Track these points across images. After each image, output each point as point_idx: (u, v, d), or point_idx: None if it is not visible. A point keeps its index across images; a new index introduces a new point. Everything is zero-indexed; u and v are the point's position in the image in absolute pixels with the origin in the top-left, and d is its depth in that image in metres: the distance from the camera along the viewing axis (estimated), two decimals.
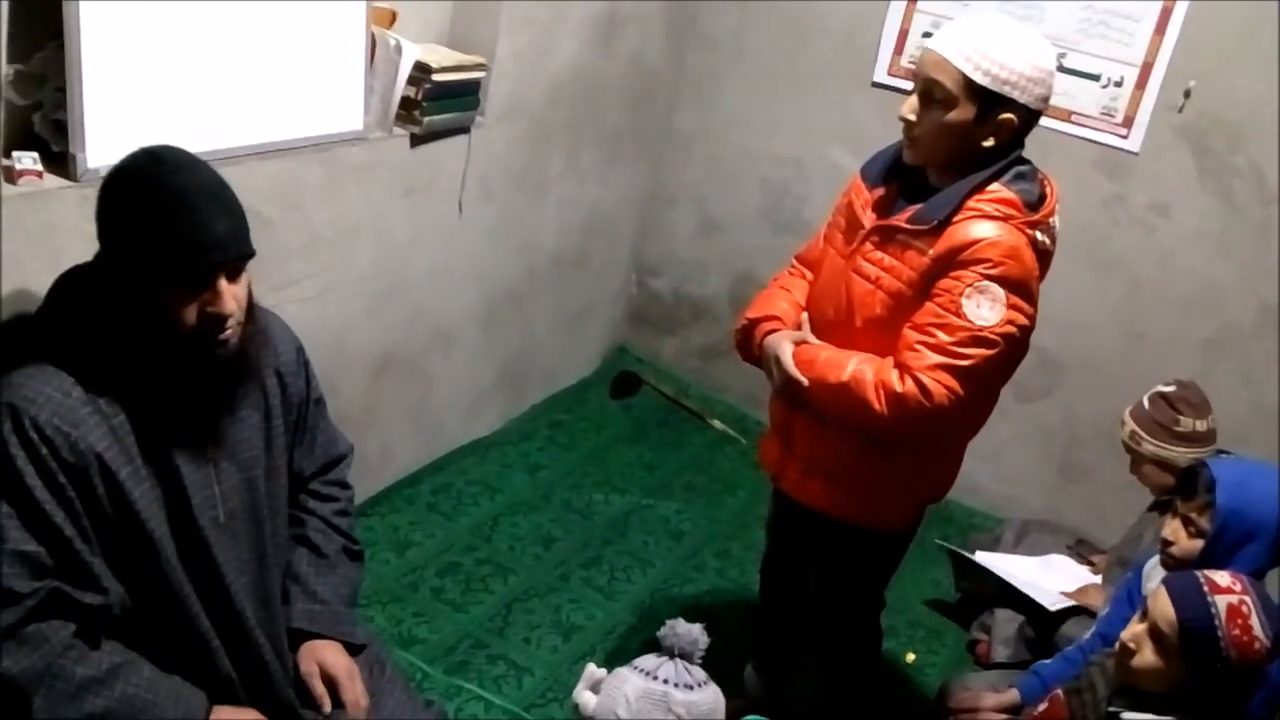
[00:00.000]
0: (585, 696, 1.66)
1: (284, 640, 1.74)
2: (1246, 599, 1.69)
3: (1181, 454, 2.50)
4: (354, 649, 1.80)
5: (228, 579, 1.61)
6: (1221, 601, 1.69)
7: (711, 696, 1.64)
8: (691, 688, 1.64)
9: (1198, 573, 1.76)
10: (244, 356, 1.58)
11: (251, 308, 1.59)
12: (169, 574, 1.54)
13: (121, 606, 1.51)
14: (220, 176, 1.53)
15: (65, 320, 1.49)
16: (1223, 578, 1.73)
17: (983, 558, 3.00)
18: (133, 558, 1.51)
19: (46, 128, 2.00)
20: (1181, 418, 2.52)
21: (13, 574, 1.40)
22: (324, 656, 1.75)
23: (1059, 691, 1.96)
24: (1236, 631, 1.66)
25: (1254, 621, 1.67)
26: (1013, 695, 2.25)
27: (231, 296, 1.50)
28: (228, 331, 1.51)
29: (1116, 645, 1.80)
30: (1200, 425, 2.52)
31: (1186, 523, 2.20)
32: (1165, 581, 1.78)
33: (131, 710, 1.48)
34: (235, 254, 1.50)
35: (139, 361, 1.48)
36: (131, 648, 1.54)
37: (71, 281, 1.54)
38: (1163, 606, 1.72)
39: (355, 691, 1.73)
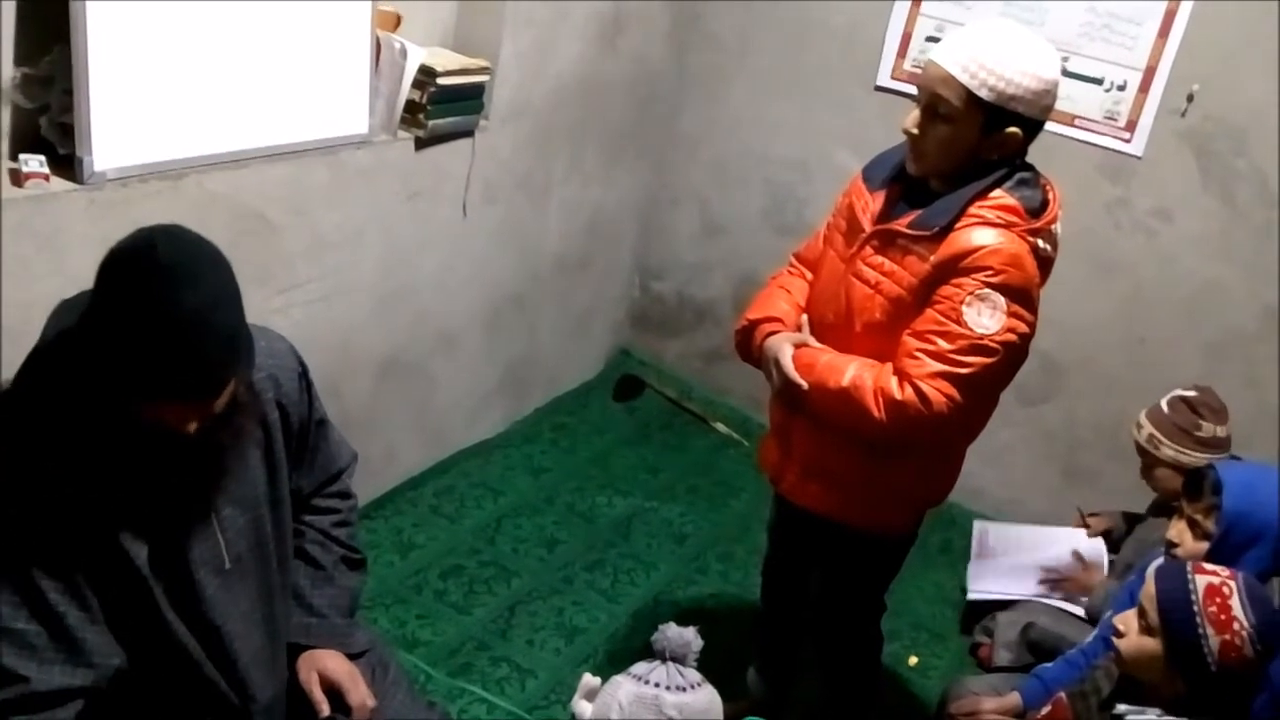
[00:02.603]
0: (581, 706, 1.67)
1: (285, 668, 1.73)
2: (1230, 583, 1.70)
3: (1200, 459, 2.49)
4: (353, 655, 1.80)
5: (224, 627, 1.59)
6: (1201, 580, 1.70)
7: (706, 698, 1.65)
8: (684, 690, 1.64)
9: (1190, 562, 1.79)
10: (214, 448, 1.51)
11: (233, 406, 1.50)
12: (170, 629, 1.54)
13: (119, 673, 1.50)
14: (223, 285, 1.42)
15: (54, 389, 1.44)
16: (1212, 566, 1.75)
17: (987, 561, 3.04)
18: (136, 616, 1.51)
19: (53, 131, 2.01)
20: (1204, 423, 2.51)
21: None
22: (323, 664, 1.74)
23: (1062, 695, 1.96)
24: (1213, 609, 1.66)
25: (1234, 603, 1.66)
26: (1014, 699, 2.25)
27: (194, 420, 1.43)
28: (187, 440, 1.45)
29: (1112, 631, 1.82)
30: (1221, 431, 2.51)
31: (1192, 525, 2.20)
32: (1156, 567, 1.82)
33: None
34: (204, 391, 1.42)
35: (116, 442, 1.45)
36: (138, 698, 1.55)
37: (61, 343, 1.46)
38: (1148, 586, 1.75)
39: (360, 694, 1.72)
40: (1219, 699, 1.71)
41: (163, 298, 1.34)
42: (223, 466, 1.57)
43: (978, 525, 3.21)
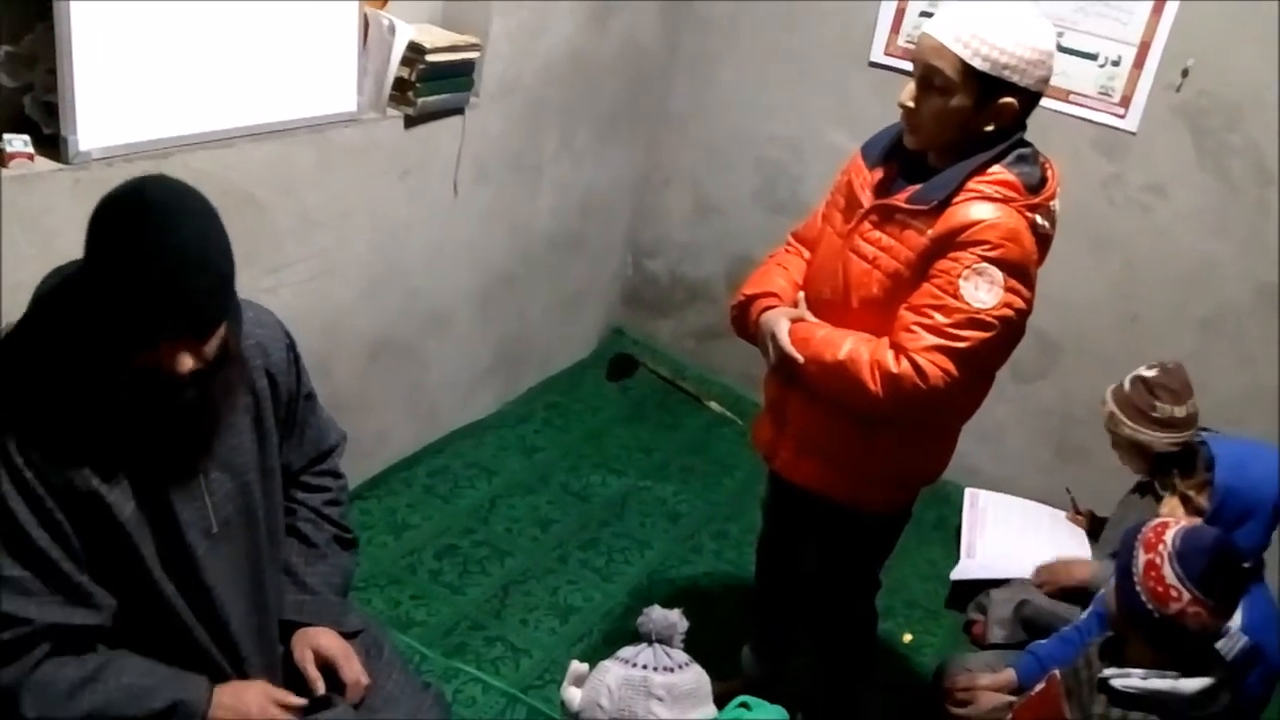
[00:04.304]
0: (571, 692, 1.68)
1: (276, 640, 1.73)
2: (1183, 526, 1.76)
3: (1157, 439, 2.48)
4: (347, 635, 1.79)
5: (215, 590, 1.60)
6: (1156, 520, 1.81)
7: (693, 677, 1.66)
8: (671, 670, 1.65)
9: None
10: (206, 401, 1.52)
11: (224, 357, 1.51)
12: (159, 590, 1.54)
13: (113, 619, 1.51)
14: (212, 227, 1.44)
15: (47, 339, 1.46)
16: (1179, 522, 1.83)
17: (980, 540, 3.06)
18: (123, 575, 1.51)
19: (37, 110, 1.99)
20: (1159, 404, 2.50)
21: None
22: (317, 641, 1.74)
23: (1056, 672, 1.97)
24: (1150, 535, 1.76)
25: (1170, 533, 1.74)
26: (1009, 675, 2.26)
27: (187, 358, 1.43)
28: (181, 385, 1.45)
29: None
30: (1178, 411, 2.49)
31: (1185, 501, 2.21)
32: None
33: (130, 698, 1.48)
34: (195, 327, 1.43)
35: (109, 389, 1.45)
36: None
37: (55, 293, 1.49)
38: None
39: (354, 671, 1.72)
40: (1173, 648, 1.74)
41: (154, 234, 1.37)
42: (213, 419, 1.56)
43: (969, 491, 3.26)
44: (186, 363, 1.43)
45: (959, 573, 2.98)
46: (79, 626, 1.46)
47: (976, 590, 2.91)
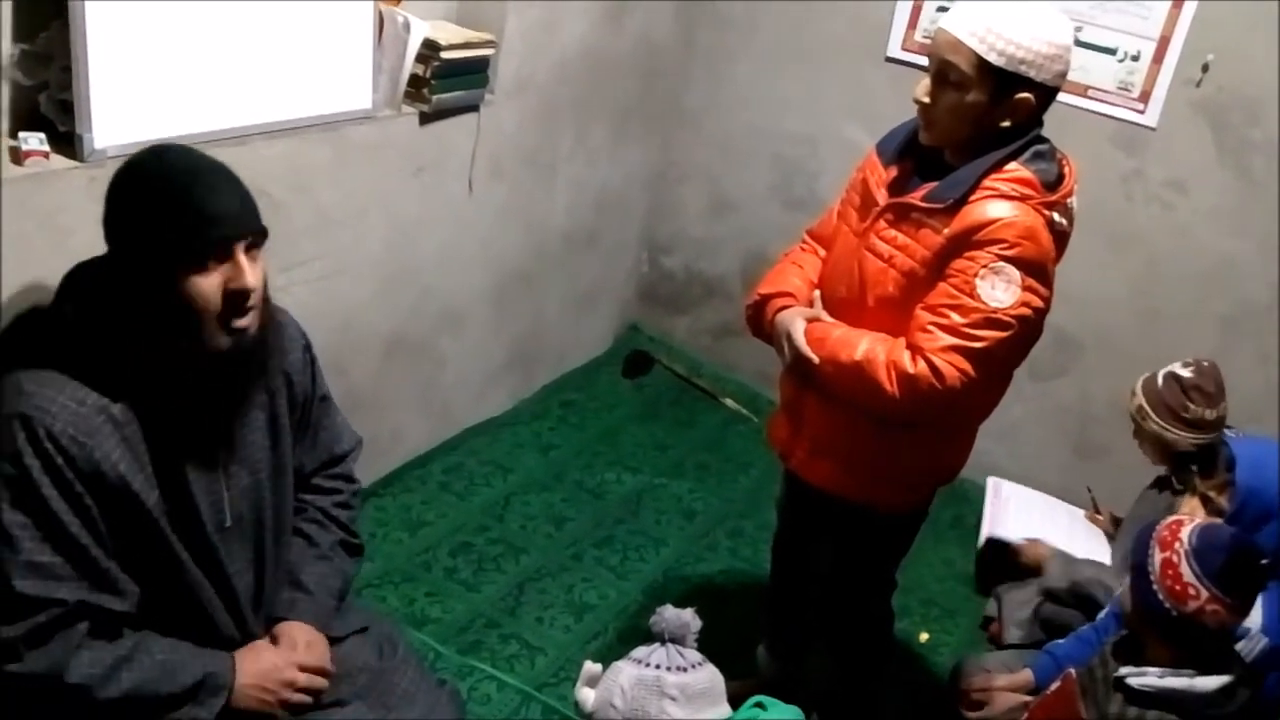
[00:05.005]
0: (584, 693, 1.67)
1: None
2: (1199, 524, 1.76)
3: (1183, 438, 2.46)
4: (335, 640, 1.78)
5: (233, 579, 1.62)
6: (1171, 519, 1.81)
7: (706, 676, 1.65)
8: (684, 670, 1.65)
9: None
10: (263, 345, 1.57)
11: (266, 295, 1.58)
12: (187, 577, 1.56)
13: (137, 606, 1.53)
14: (227, 167, 1.54)
15: (76, 324, 1.48)
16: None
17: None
18: (149, 560, 1.52)
19: (52, 108, 1.99)
20: (1191, 405, 2.47)
21: (27, 584, 1.41)
22: (288, 634, 1.71)
23: (1071, 671, 1.95)
24: (1165, 533, 1.76)
25: (1185, 531, 1.74)
26: (1026, 675, 2.25)
27: (251, 269, 1.49)
28: (249, 314, 1.50)
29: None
30: (1209, 414, 2.46)
31: (1205, 501, 2.19)
32: None
33: (164, 674, 1.51)
34: (252, 225, 1.51)
35: (154, 363, 1.47)
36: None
37: (81, 281, 1.53)
38: None
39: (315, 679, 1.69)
40: (1191, 647, 1.73)
41: (175, 164, 1.48)
42: (264, 360, 1.60)
43: (992, 480, 3.29)
44: (249, 275, 1.48)
45: (991, 531, 3.04)
46: (107, 611, 1.48)
47: (1005, 567, 2.90)
